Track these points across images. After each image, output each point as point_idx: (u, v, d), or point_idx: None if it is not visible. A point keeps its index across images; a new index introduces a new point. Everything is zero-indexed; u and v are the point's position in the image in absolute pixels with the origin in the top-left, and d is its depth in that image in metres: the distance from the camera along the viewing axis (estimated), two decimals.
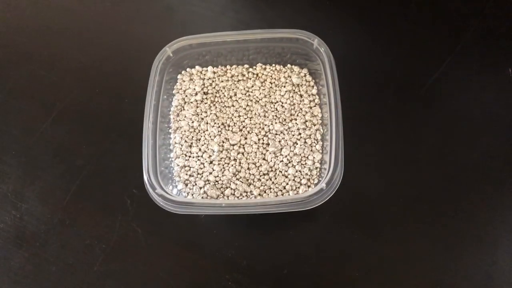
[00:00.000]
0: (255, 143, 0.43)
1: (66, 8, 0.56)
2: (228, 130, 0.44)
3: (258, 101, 0.45)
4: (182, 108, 0.45)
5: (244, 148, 0.43)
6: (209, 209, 0.37)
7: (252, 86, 0.46)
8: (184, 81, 0.46)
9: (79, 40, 0.54)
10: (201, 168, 0.42)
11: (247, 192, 0.41)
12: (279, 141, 0.43)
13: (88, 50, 0.53)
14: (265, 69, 0.47)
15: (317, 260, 0.41)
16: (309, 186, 0.41)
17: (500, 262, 0.40)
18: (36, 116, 0.49)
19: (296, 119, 0.43)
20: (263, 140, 0.43)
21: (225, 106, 0.45)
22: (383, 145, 0.46)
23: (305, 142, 0.42)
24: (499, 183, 0.43)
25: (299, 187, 0.41)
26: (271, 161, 0.42)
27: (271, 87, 0.45)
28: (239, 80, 0.46)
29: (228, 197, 0.41)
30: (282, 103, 0.44)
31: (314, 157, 0.41)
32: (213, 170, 0.42)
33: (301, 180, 0.41)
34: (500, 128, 0.46)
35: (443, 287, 0.40)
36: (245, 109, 0.44)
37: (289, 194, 0.40)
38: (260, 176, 0.41)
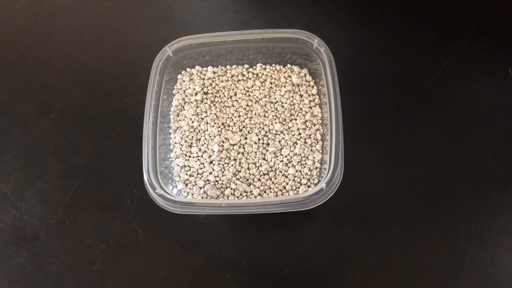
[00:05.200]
0: (255, 143, 0.43)
1: (66, 8, 0.56)
2: (228, 130, 0.44)
3: (258, 101, 0.45)
4: (182, 108, 0.45)
5: (244, 148, 0.43)
6: (209, 209, 0.37)
7: (252, 86, 0.46)
8: (184, 81, 0.46)
9: (79, 40, 0.54)
10: (201, 168, 0.42)
11: (247, 192, 0.41)
12: (279, 141, 0.43)
13: (88, 50, 0.53)
14: (265, 69, 0.47)
15: (317, 260, 0.41)
16: (309, 186, 0.41)
17: (500, 262, 0.40)
18: (36, 116, 0.49)
19: (296, 119, 0.43)
20: (263, 140, 0.43)
21: (225, 106, 0.45)
22: (383, 145, 0.46)
23: (305, 142, 0.42)
24: (499, 183, 0.43)
25: (299, 187, 0.41)
26: (271, 161, 0.42)
27: (271, 87, 0.45)
28: (239, 80, 0.46)
29: (228, 197, 0.41)
30: (282, 103, 0.44)
31: (314, 157, 0.41)
32: (213, 170, 0.42)
33: (301, 180, 0.41)
34: (500, 128, 0.46)
35: (443, 286, 0.40)
36: (245, 109, 0.44)
37: (289, 194, 0.40)
38: (260, 176, 0.41)
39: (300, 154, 0.42)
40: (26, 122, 0.49)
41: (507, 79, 0.48)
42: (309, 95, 0.45)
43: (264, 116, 0.44)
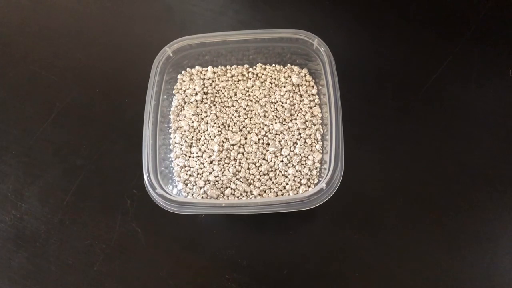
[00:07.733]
0: (255, 143, 0.43)
1: (66, 8, 0.56)
2: (228, 130, 0.44)
3: (258, 101, 0.45)
4: (182, 108, 0.45)
5: (244, 148, 0.43)
6: (209, 209, 0.37)
7: (252, 86, 0.46)
8: (184, 81, 0.46)
9: (79, 40, 0.54)
10: (201, 168, 0.42)
11: (247, 192, 0.41)
12: (279, 141, 0.43)
13: (88, 50, 0.53)
14: (265, 69, 0.47)
15: (317, 260, 0.41)
16: (309, 186, 0.41)
17: (500, 262, 0.40)
18: (36, 116, 0.49)
19: (296, 119, 0.43)
20: (263, 140, 0.43)
21: (225, 106, 0.45)
22: (383, 145, 0.46)
23: (305, 142, 0.42)
24: (499, 182, 0.43)
25: (299, 187, 0.41)
26: (271, 161, 0.42)
27: (271, 87, 0.45)
28: (239, 80, 0.46)
29: (228, 197, 0.41)
30: (282, 103, 0.44)
31: (314, 157, 0.41)
32: (213, 170, 0.42)
33: (301, 180, 0.41)
34: (500, 128, 0.46)
35: (443, 286, 0.40)
36: (245, 109, 0.44)
37: (289, 194, 0.40)
38: (260, 176, 0.41)
39: (300, 154, 0.42)
40: (26, 122, 0.49)
41: (507, 79, 0.48)
42: (309, 95, 0.45)
43: (264, 116, 0.44)
